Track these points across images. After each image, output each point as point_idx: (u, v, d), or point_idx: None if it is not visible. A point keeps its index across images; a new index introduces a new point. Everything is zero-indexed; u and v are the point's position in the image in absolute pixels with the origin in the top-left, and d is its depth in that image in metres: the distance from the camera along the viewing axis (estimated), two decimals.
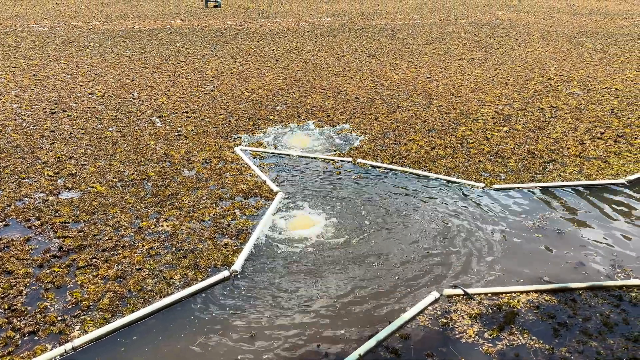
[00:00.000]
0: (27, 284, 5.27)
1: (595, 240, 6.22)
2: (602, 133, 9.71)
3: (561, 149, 8.95)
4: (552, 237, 6.30)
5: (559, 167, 8.24)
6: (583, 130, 9.87)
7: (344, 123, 10.39)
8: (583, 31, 22.35)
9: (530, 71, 14.85)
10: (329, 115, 10.83)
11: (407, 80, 13.82)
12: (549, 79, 13.95)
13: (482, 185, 7.56)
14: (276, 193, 7.32)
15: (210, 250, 5.90)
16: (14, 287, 5.20)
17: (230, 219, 6.60)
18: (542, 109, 11.27)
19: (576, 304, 5.08)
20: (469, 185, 7.60)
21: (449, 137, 9.54)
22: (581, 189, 7.54)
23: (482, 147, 9.00)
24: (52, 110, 10.78)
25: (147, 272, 5.47)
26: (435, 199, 7.23)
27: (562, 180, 7.74)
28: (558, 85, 13.23)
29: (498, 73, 14.60)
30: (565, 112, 11.00)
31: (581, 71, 14.85)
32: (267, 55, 16.92)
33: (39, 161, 8.24)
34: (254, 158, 8.66)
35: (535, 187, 7.53)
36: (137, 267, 5.55)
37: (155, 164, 8.19)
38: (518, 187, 7.52)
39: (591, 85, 13.27)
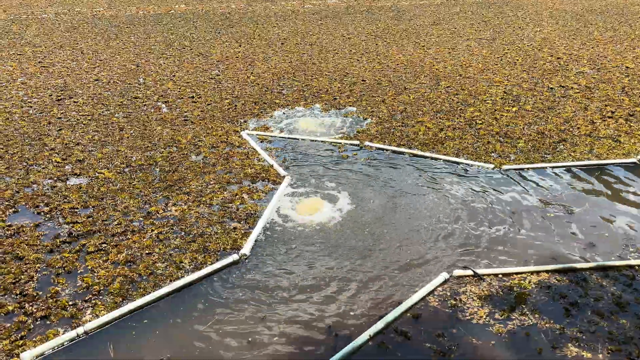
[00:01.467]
0: (38, 269, 5.31)
1: (606, 220, 6.15)
2: (612, 112, 9.56)
3: (571, 129, 8.83)
4: (563, 217, 6.24)
5: (569, 147, 8.14)
6: (593, 110, 9.72)
7: (350, 106, 10.30)
8: (592, 9, 21.93)
9: (539, 51, 14.62)
10: (336, 98, 10.73)
11: (414, 61, 13.66)
12: (558, 58, 13.73)
13: (492, 166, 7.48)
14: (283, 177, 7.29)
15: (219, 234, 5.90)
16: (25, 273, 5.24)
17: (238, 203, 6.59)
18: (551, 88, 11.11)
19: (587, 284, 5.04)
20: (478, 166, 7.53)
21: (458, 118, 9.44)
22: (592, 168, 7.44)
23: (491, 128, 8.90)
24: (59, 97, 10.76)
25: (156, 257, 5.49)
26: (444, 180, 7.17)
27: (573, 160, 7.65)
28: (567, 65, 13.02)
29: (506, 53, 14.39)
30: (575, 92, 10.84)
31: (591, 50, 14.60)
32: (272, 39, 16.76)
33: (47, 148, 8.24)
34: (260, 142, 8.61)
35: (546, 168, 7.45)
36: (146, 252, 5.56)
37: (162, 149, 8.17)
38: (528, 168, 7.44)
39: (601, 63, 13.05)
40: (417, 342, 4.36)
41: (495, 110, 9.84)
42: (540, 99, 10.45)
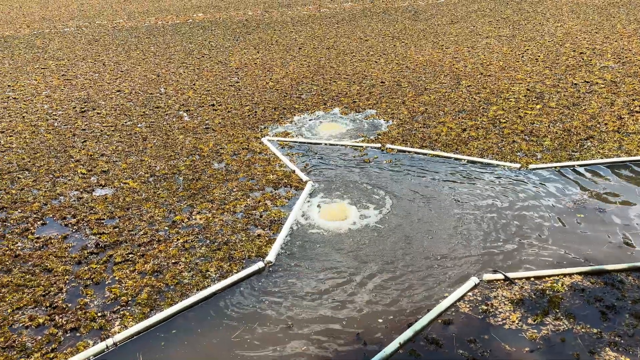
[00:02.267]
0: (67, 281, 5.36)
1: (639, 218, 5.97)
2: None
3: (598, 125, 8.61)
4: (594, 217, 6.07)
5: (597, 143, 7.93)
6: (620, 105, 9.47)
7: (370, 108, 10.23)
8: (614, 2, 21.45)
9: (561, 46, 14.34)
10: (355, 101, 10.68)
11: (433, 61, 13.52)
12: (581, 53, 13.44)
13: (518, 165, 7.33)
14: (306, 182, 7.26)
15: (244, 242, 5.89)
16: (54, 285, 5.30)
17: (261, 210, 6.58)
18: (575, 84, 10.87)
19: (624, 286, 4.88)
20: (504, 166, 7.39)
21: (480, 117, 9.29)
22: (621, 165, 7.24)
23: (515, 127, 8.74)
24: (82, 109, 10.93)
25: (183, 266, 5.50)
26: (470, 182, 7.04)
27: (601, 158, 7.45)
28: (591, 60, 12.73)
29: (527, 50, 14.15)
30: (601, 87, 10.58)
31: (614, 43, 14.26)
32: (289, 44, 16.79)
33: (72, 159, 8.36)
34: (281, 148, 8.60)
35: (574, 166, 7.27)
36: (173, 261, 5.58)
37: (185, 158, 8.22)
38: (555, 167, 7.27)
39: (626, 57, 12.73)
40: (449, 349, 4.27)
41: (519, 108, 9.66)
42: (564, 95, 10.23)
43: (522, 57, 13.42)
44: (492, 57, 13.55)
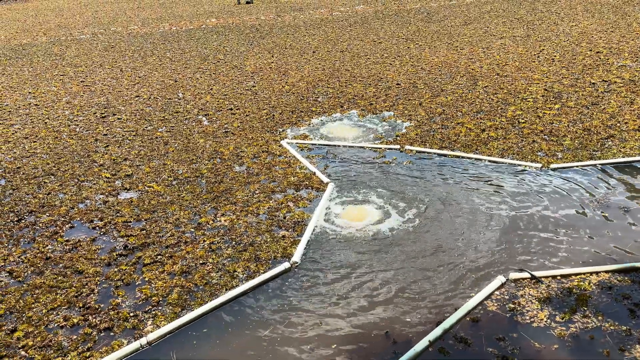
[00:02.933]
0: (98, 282, 5.48)
1: None
2: None
3: (618, 124, 8.59)
4: (618, 215, 6.06)
5: (618, 142, 7.91)
6: None
7: (387, 110, 10.28)
8: (629, 0, 21.31)
9: (577, 45, 14.29)
10: (372, 104, 10.74)
11: (448, 62, 13.54)
12: (598, 52, 13.39)
13: (539, 165, 7.34)
14: (327, 184, 7.33)
15: (269, 243, 5.97)
16: (86, 286, 5.41)
17: (285, 211, 6.66)
18: (593, 83, 10.84)
19: None
20: (525, 166, 7.40)
21: (499, 118, 9.30)
22: None
23: (534, 127, 8.74)
24: (103, 115, 11.12)
25: (210, 266, 5.59)
26: (492, 182, 7.07)
27: (623, 157, 7.43)
28: (608, 59, 12.67)
29: (543, 49, 14.11)
30: (619, 86, 10.54)
31: (631, 42, 14.18)
32: (303, 48, 16.91)
33: (96, 164, 8.52)
34: (301, 150, 8.68)
35: (596, 165, 7.26)
36: (200, 262, 5.67)
37: (206, 161, 8.34)
38: (577, 166, 7.26)
39: None
40: (478, 347, 4.30)
41: (537, 108, 9.65)
42: (582, 94, 10.20)
43: (538, 57, 13.39)
44: (507, 58, 13.53)
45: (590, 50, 13.66)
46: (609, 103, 9.60)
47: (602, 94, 10.13)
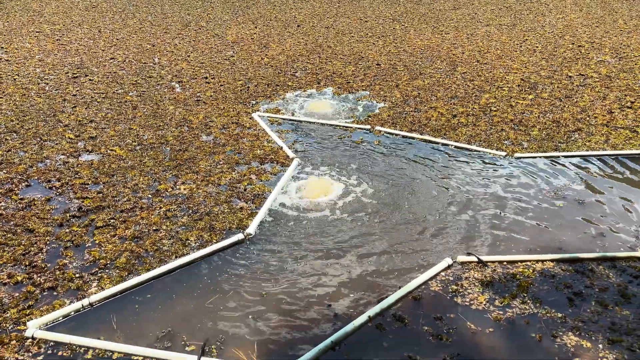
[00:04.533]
0: (47, 242, 5.42)
1: (618, 211, 6.05)
2: (632, 102, 9.34)
3: (588, 118, 8.66)
4: (573, 206, 6.16)
5: (585, 136, 7.99)
6: (612, 99, 9.51)
7: (363, 90, 10.22)
8: None
9: (560, 38, 14.30)
10: (349, 82, 10.66)
11: (431, 46, 13.47)
12: (580, 46, 13.41)
13: (504, 153, 7.39)
14: (292, 159, 7.30)
15: (226, 214, 5.95)
16: (35, 245, 5.35)
17: (246, 183, 6.63)
18: (570, 76, 10.88)
19: (594, 274, 4.98)
20: (490, 153, 7.44)
21: (472, 104, 9.31)
22: (606, 158, 7.30)
23: (505, 115, 8.77)
24: (74, 75, 10.87)
25: (163, 233, 5.56)
26: (455, 167, 7.10)
27: (587, 150, 7.52)
28: (589, 53, 12.71)
29: (526, 40, 14.10)
30: (595, 80, 10.60)
31: (614, 38, 14.22)
32: (288, 21, 16.66)
33: (61, 124, 8.36)
34: (271, 124, 8.61)
35: (559, 156, 7.33)
36: (154, 228, 5.64)
37: (174, 129, 8.23)
38: (540, 156, 7.33)
39: (624, 53, 12.71)
40: (415, 325, 4.37)
41: (511, 97, 9.68)
42: (557, 87, 10.24)
43: (520, 47, 13.38)
44: (490, 45, 13.50)
45: (573, 43, 13.68)
46: (582, 97, 9.66)
47: (576, 88, 10.18)
